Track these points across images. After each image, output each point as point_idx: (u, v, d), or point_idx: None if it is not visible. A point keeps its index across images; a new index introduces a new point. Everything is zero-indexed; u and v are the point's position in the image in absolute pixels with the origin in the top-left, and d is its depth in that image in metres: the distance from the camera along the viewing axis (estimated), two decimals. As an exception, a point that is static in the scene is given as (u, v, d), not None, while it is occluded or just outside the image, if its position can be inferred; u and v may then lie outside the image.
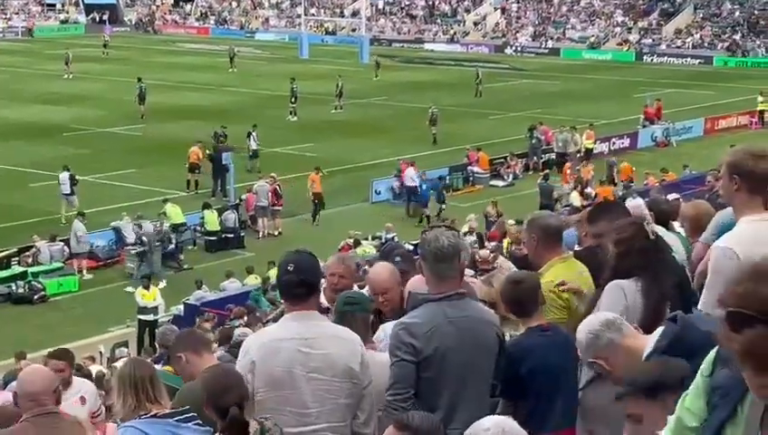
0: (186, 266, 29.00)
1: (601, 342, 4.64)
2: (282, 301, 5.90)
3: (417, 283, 6.57)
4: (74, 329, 23.52)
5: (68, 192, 32.55)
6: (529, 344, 5.80)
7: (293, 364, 5.29)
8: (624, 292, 5.83)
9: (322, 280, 6.61)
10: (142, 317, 23.47)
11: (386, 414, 5.37)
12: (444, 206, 33.34)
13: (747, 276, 2.74)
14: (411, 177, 34.63)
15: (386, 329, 6.59)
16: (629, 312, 5.85)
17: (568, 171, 35.84)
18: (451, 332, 5.42)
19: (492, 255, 9.01)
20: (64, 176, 32.46)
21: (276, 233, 31.73)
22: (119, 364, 17.57)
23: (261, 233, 31.83)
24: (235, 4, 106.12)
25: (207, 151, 35.95)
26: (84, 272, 28.19)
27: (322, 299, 6.94)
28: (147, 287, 23.94)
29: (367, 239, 28.19)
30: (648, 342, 4.54)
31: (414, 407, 4.99)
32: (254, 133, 38.59)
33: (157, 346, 16.42)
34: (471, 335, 5.49)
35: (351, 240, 27.95)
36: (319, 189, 32.91)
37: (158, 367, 7.70)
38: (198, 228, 31.02)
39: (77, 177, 32.85)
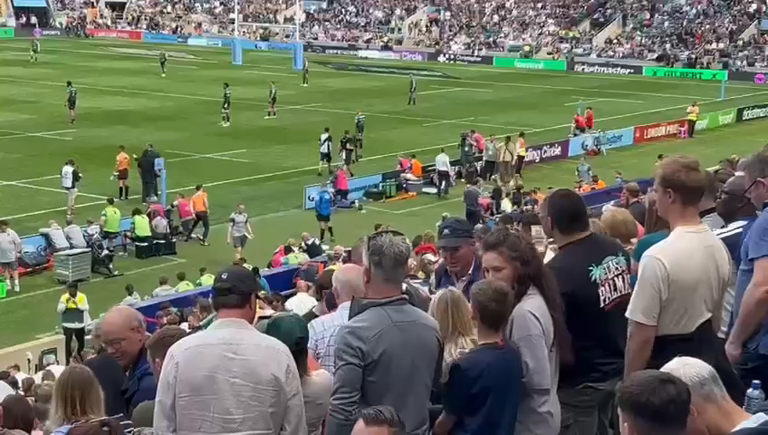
0: (116, 273, 28.61)
1: (704, 390, 4.22)
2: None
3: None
4: (1, 336, 23.11)
5: (69, 185, 32.87)
6: (485, 361, 5.70)
7: (217, 369, 5.19)
8: (535, 316, 5.85)
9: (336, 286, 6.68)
10: (67, 325, 22.93)
11: (331, 418, 5.37)
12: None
13: None
14: (443, 162, 37.90)
15: (314, 326, 6.55)
16: (546, 335, 5.92)
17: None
18: (397, 336, 5.41)
19: None
20: (67, 169, 33.02)
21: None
22: (50, 371, 17.41)
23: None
24: (169, 8, 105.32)
25: (135, 156, 35.59)
26: (17, 281, 27.22)
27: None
28: (73, 294, 23.46)
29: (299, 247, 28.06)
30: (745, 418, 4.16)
31: (359, 411, 4.89)
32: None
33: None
34: (415, 340, 5.50)
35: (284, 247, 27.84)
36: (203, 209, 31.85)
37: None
38: (129, 234, 30.58)
39: (80, 173, 33.36)
